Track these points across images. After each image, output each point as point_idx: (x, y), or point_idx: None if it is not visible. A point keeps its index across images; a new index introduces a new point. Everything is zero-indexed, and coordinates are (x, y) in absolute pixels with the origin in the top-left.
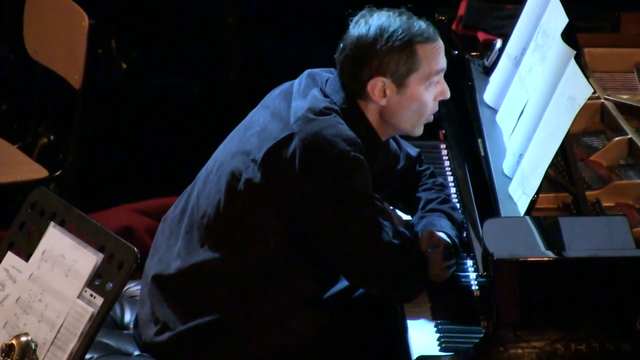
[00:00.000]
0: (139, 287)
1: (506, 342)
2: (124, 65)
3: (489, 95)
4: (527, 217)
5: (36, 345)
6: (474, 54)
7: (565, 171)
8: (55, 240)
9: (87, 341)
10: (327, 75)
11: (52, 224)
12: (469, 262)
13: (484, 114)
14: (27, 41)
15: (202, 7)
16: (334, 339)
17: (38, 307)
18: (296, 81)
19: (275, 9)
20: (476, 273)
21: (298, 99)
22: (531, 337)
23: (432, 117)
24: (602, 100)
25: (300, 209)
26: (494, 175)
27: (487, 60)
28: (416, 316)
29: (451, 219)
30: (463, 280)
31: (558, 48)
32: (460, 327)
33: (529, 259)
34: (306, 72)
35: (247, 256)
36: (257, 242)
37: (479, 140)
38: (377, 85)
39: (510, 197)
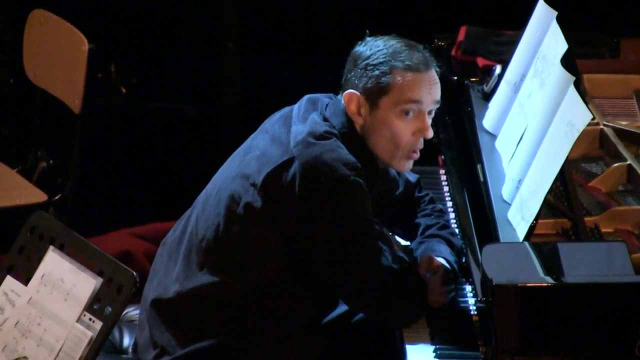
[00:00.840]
0: (137, 311)
1: None
2: (124, 90)
3: (488, 121)
4: (526, 243)
5: None
6: (473, 79)
7: (565, 197)
8: (55, 264)
9: None
10: (326, 100)
11: (51, 248)
12: (468, 288)
13: (483, 139)
14: (27, 65)
15: (202, 31)
16: None
17: (37, 331)
18: (296, 106)
19: (275, 33)
20: (475, 298)
21: (298, 124)
22: None
23: (416, 154)
24: (601, 127)
25: (300, 233)
26: (493, 200)
27: (486, 86)
28: (415, 341)
29: (450, 244)
30: (462, 305)
31: (557, 74)
32: (458, 352)
33: (528, 285)
34: (306, 97)
35: (246, 280)
36: (256, 265)
37: (478, 166)
38: (352, 99)
39: (509, 223)
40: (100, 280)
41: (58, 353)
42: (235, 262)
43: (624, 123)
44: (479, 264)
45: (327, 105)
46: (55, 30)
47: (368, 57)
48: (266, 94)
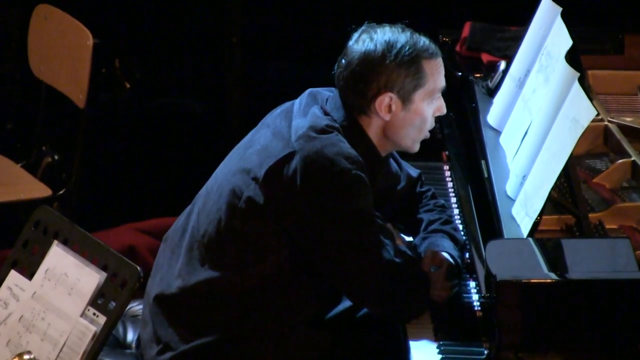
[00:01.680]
0: (141, 306)
1: None
2: (128, 85)
3: (492, 116)
4: (530, 239)
5: None
6: (478, 75)
7: (569, 193)
8: (59, 258)
9: None
10: (327, 94)
11: (55, 242)
12: (472, 284)
13: (487, 135)
14: (31, 60)
15: (206, 27)
16: None
17: (41, 326)
18: (297, 100)
19: (279, 29)
20: (479, 294)
21: (299, 118)
22: (533, 359)
23: (428, 134)
24: (606, 123)
25: (301, 227)
26: (497, 196)
27: (490, 82)
28: (418, 337)
29: (454, 239)
30: (466, 301)
31: (562, 70)
32: (462, 348)
33: (532, 281)
34: (307, 91)
35: (248, 275)
36: (257, 260)
37: (482, 162)
38: (385, 101)
39: (513, 219)
40: (104, 275)
41: (62, 348)
42: (236, 257)
43: (628, 119)
44: (482, 260)
45: (327, 98)
46: (59, 25)
47: (396, 56)
48: (270, 88)
